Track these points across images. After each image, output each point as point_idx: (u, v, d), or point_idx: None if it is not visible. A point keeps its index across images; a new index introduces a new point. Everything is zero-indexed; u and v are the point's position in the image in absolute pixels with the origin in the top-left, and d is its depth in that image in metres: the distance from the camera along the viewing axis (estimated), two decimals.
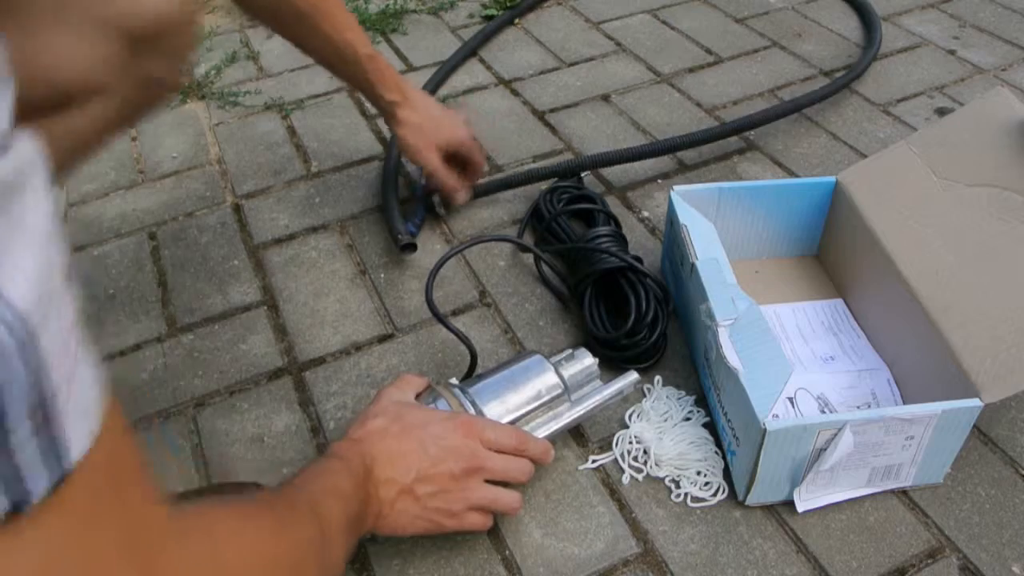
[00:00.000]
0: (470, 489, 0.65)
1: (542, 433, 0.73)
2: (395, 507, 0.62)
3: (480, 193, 1.08)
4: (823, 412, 0.81)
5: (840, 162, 1.16)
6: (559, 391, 0.74)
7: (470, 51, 1.45)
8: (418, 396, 0.71)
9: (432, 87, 1.34)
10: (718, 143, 1.21)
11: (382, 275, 1.01)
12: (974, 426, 0.74)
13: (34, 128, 0.63)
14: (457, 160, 1.03)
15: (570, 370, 0.76)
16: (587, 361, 0.78)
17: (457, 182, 1.02)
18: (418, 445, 0.63)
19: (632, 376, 0.78)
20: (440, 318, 0.83)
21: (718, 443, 0.79)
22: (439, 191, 1.05)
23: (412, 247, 1.01)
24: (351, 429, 0.65)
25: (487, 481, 0.66)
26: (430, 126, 0.98)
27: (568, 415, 0.74)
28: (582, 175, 1.12)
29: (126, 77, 0.61)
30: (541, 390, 0.74)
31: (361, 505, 0.58)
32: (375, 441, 0.62)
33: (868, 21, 1.47)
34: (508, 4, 1.58)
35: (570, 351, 0.79)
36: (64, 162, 0.67)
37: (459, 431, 0.65)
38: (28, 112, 0.62)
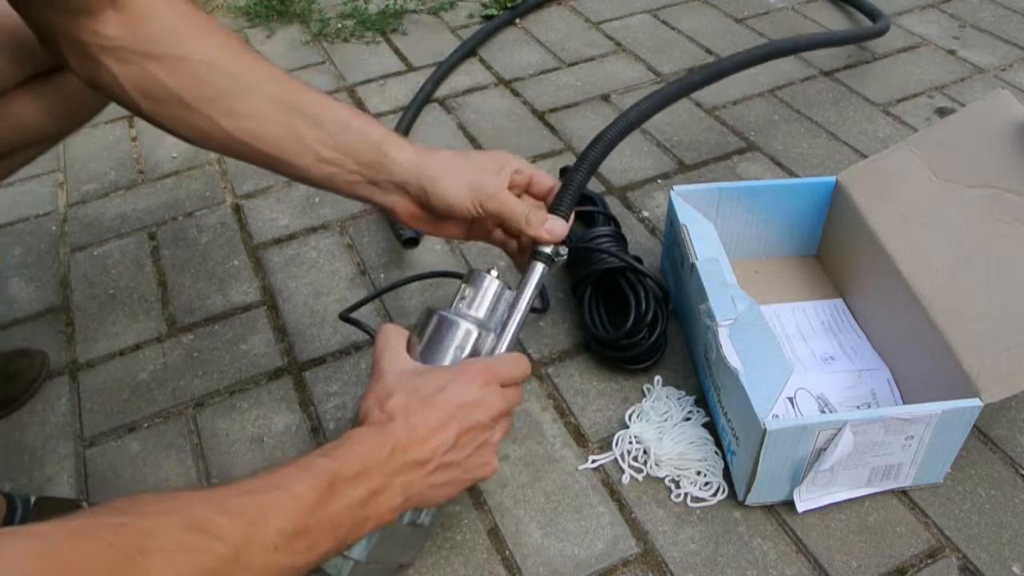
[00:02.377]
0: (496, 432, 0.62)
1: None
2: (431, 483, 0.58)
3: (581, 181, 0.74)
4: (823, 412, 0.81)
5: (840, 162, 1.16)
6: (477, 335, 0.66)
7: (468, 50, 1.45)
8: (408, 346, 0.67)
9: (430, 87, 1.34)
10: (718, 143, 1.21)
11: (382, 275, 1.01)
12: (974, 426, 0.74)
13: (57, 78, 0.70)
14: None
15: (480, 308, 0.68)
16: (488, 286, 0.68)
17: (536, 208, 0.71)
18: (444, 413, 0.59)
19: (538, 268, 0.69)
20: (354, 322, 0.84)
21: (718, 443, 0.79)
22: (530, 238, 0.70)
23: (414, 242, 1.01)
24: (368, 411, 0.59)
25: None
26: (469, 161, 0.70)
27: (499, 347, 0.67)
28: None
29: None
30: (463, 347, 0.66)
31: (337, 515, 0.52)
32: (398, 425, 0.57)
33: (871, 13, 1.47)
34: (508, 4, 1.58)
35: (467, 285, 0.69)
36: (78, 112, 0.75)
37: (478, 380, 0.61)
38: (52, 65, 0.68)
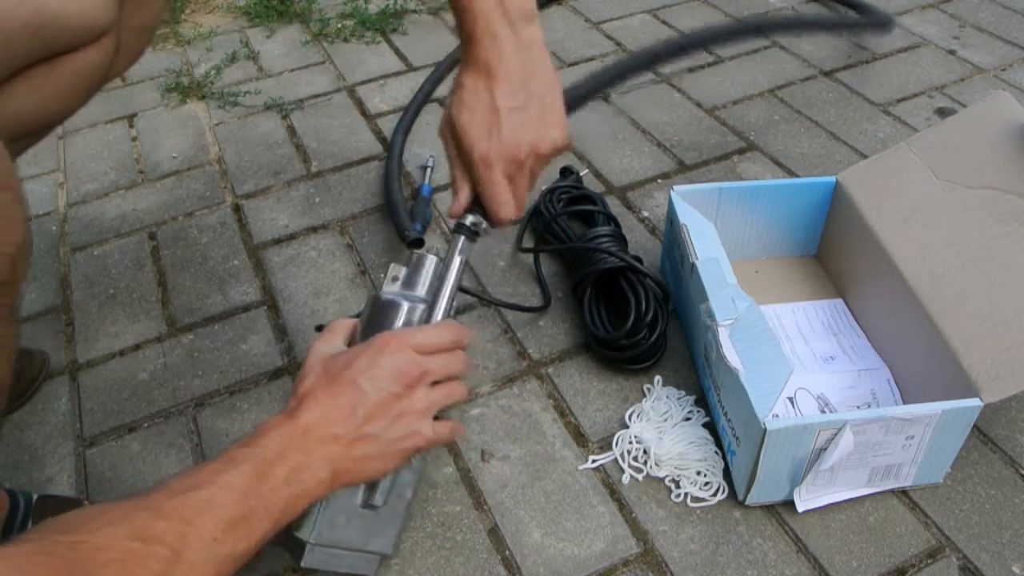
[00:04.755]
0: (419, 399, 0.60)
1: None
2: (354, 457, 0.58)
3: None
4: (823, 412, 0.81)
5: (840, 162, 1.16)
6: (406, 309, 0.65)
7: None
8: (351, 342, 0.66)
9: (429, 87, 1.34)
10: (718, 143, 1.21)
11: (382, 275, 1.01)
12: (974, 426, 0.74)
13: (48, 68, 0.72)
14: None
15: (415, 285, 0.67)
16: (421, 263, 0.68)
17: (508, 192, 0.66)
18: (350, 387, 0.58)
19: (459, 239, 0.67)
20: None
21: (718, 443, 0.79)
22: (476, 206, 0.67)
23: (420, 242, 1.01)
24: (290, 401, 0.61)
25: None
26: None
27: (432, 319, 0.66)
28: (580, 174, 1.12)
29: (121, 22, 0.75)
30: (393, 322, 0.65)
31: (267, 497, 0.53)
32: (306, 406, 0.58)
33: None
34: None
35: (400, 265, 0.69)
36: (70, 102, 0.77)
37: (386, 351, 0.60)
38: (44, 56, 0.70)
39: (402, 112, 1.28)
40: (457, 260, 0.67)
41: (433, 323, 0.65)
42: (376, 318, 0.65)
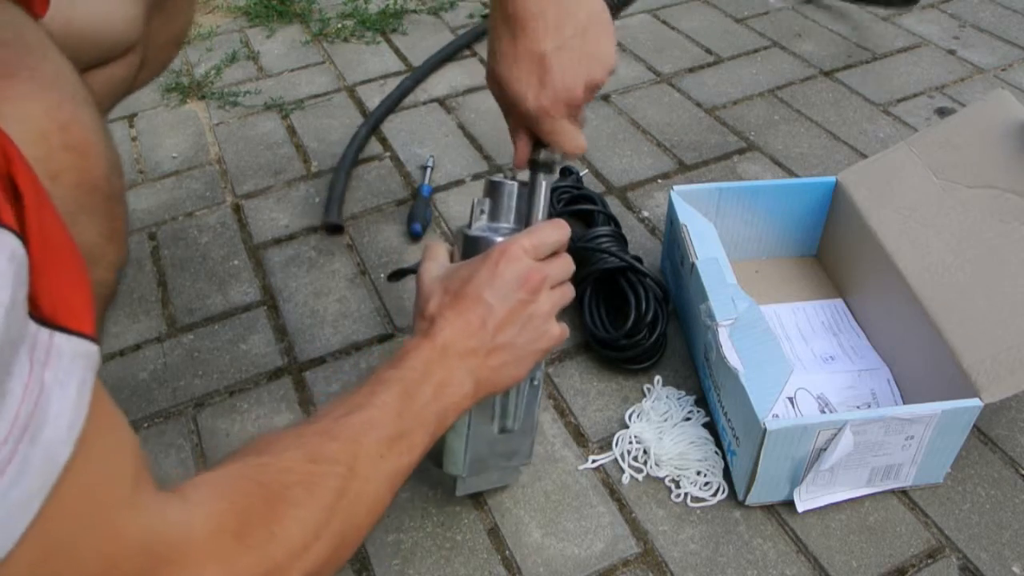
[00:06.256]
0: (544, 302, 0.62)
1: None
2: (491, 366, 0.60)
3: None
4: (823, 412, 0.81)
5: (840, 162, 1.16)
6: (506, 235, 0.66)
7: (458, 47, 1.45)
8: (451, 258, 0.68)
9: (413, 80, 1.35)
10: (718, 143, 1.21)
11: (382, 275, 1.01)
12: (974, 426, 0.74)
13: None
14: None
15: (503, 215, 0.69)
16: (507, 192, 0.68)
17: (574, 132, 0.67)
18: (476, 301, 0.60)
19: (538, 175, 0.68)
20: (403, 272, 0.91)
21: (718, 443, 0.79)
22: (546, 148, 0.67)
23: (339, 228, 1.07)
24: (415, 323, 0.62)
25: None
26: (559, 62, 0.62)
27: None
28: (580, 174, 1.12)
29: (147, 36, 0.76)
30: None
31: (420, 413, 0.56)
32: (439, 326, 0.60)
33: None
34: None
35: (485, 198, 0.69)
36: (104, 105, 0.79)
37: (503, 261, 0.61)
38: (80, 68, 0.72)
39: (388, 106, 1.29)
40: (544, 184, 0.68)
41: (537, 225, 0.66)
42: (472, 256, 0.65)
